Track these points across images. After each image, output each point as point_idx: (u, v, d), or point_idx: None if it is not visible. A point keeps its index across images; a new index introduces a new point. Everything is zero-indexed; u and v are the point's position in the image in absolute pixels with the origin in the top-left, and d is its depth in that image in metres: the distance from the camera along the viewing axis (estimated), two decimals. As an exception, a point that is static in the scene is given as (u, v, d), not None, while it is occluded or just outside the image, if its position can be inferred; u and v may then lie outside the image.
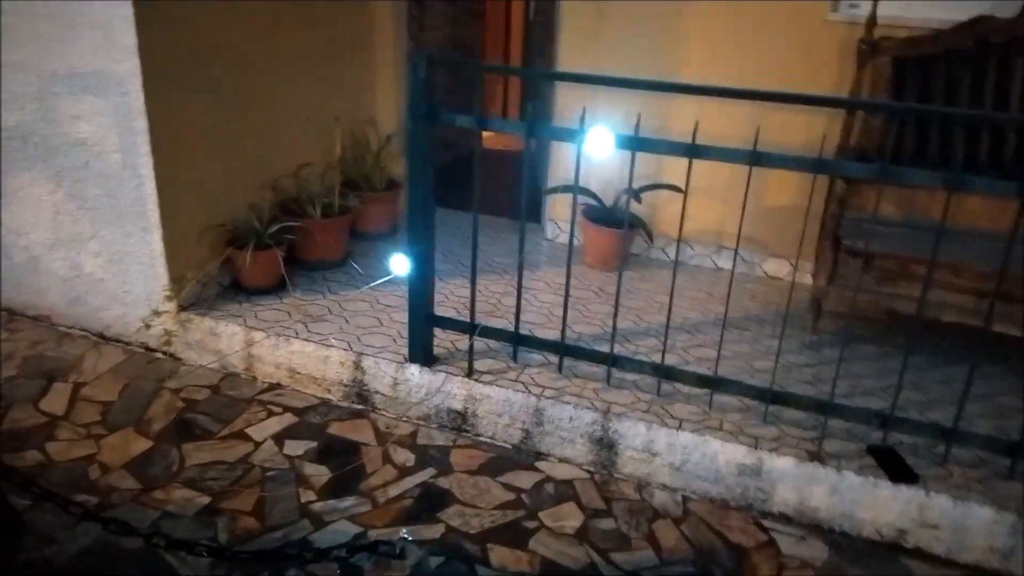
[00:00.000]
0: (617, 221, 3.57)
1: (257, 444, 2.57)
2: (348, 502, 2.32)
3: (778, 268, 3.72)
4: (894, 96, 3.12)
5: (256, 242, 3.07)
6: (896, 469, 2.23)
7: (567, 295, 2.53)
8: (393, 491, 2.38)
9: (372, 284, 3.20)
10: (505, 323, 2.98)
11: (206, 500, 2.30)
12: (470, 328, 2.59)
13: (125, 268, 2.99)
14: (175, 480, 2.37)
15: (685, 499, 2.43)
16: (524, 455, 2.58)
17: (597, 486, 2.47)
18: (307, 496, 2.34)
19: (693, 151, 2.14)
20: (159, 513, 2.23)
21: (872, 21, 3.07)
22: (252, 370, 2.94)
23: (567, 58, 3.72)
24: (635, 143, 2.19)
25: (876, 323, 3.16)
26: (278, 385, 2.91)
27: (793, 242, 3.51)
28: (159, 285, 2.94)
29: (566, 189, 3.65)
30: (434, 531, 2.22)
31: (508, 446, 2.62)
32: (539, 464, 2.55)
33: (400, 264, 2.46)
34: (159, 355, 3.06)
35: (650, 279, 3.59)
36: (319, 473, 2.44)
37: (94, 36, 2.67)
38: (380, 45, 3.99)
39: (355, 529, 2.21)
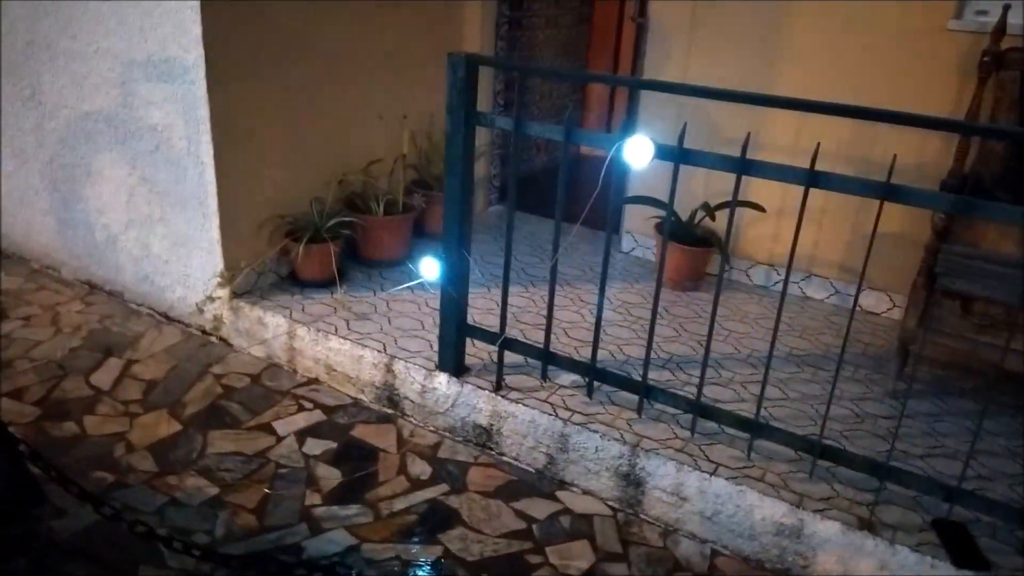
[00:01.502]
0: (691, 238, 3.32)
1: (279, 439, 2.54)
2: (351, 510, 2.24)
3: (877, 302, 3.34)
4: (1021, 117, 2.71)
5: (311, 235, 3.06)
6: (963, 551, 1.89)
7: (599, 314, 2.33)
8: (399, 504, 2.27)
9: (399, 287, 3.12)
10: (552, 339, 2.83)
11: (215, 491, 2.28)
12: (496, 340, 2.44)
13: (188, 252, 3.06)
14: (191, 467, 2.38)
15: (714, 553, 2.18)
16: (546, 482, 2.41)
17: (618, 526, 2.26)
18: (312, 499, 2.27)
19: (743, 167, 1.90)
20: (167, 499, 2.24)
21: (1000, 30, 2.68)
22: (293, 363, 2.93)
23: (655, 61, 3.51)
24: (677, 155, 1.98)
25: (978, 375, 2.76)
26: (316, 380, 2.88)
27: (893, 274, 3.16)
28: (215, 271, 2.99)
29: (637, 200, 3.44)
30: (429, 553, 2.10)
31: (531, 470, 2.46)
32: (560, 493, 2.37)
33: (429, 268, 2.36)
34: (213, 339, 3.12)
35: (725, 303, 3.30)
36: (331, 476, 2.37)
37: (168, 24, 2.73)
38: (468, 47, 3.91)
39: (349, 540, 2.12)
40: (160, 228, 3.12)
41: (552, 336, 2.85)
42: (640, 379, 2.31)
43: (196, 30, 2.66)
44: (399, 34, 3.47)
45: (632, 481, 2.27)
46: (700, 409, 2.20)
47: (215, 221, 2.91)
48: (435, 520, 2.22)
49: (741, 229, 3.48)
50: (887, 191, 1.77)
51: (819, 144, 1.85)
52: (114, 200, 3.23)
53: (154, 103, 2.90)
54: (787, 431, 2.13)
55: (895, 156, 1.78)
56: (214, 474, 2.35)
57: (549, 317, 2.37)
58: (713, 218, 3.25)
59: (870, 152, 3.07)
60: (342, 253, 3.26)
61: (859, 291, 2.01)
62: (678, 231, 3.35)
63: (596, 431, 2.30)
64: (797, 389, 2.65)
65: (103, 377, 2.81)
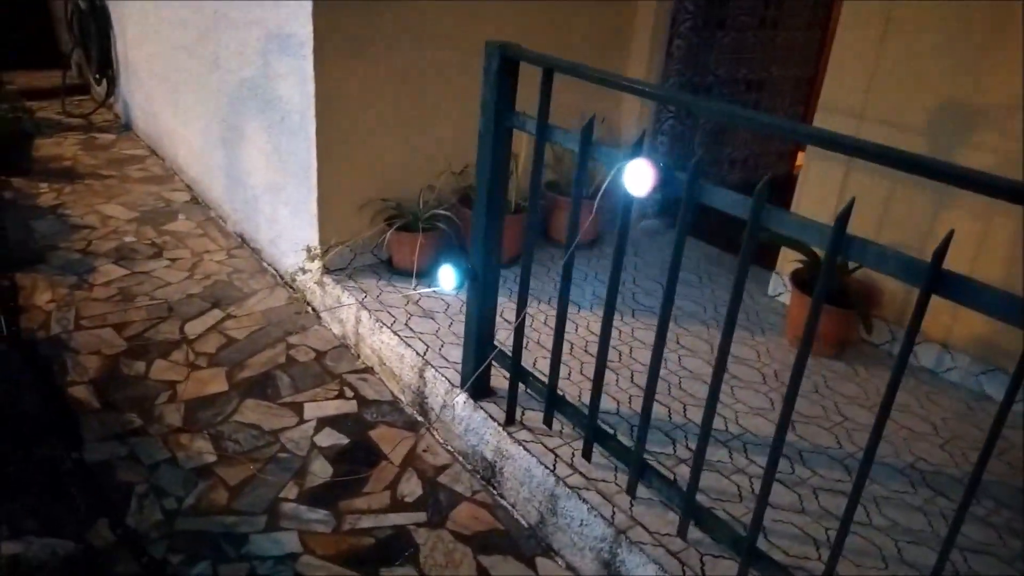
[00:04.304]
0: (836, 294, 2.70)
1: (301, 421, 2.50)
2: (316, 515, 2.13)
3: (1085, 422, 2.46)
4: None
5: (405, 223, 2.99)
6: None
7: (602, 363, 1.93)
8: (366, 522, 2.11)
9: (412, 291, 2.90)
10: (618, 387, 2.47)
11: (212, 459, 2.31)
12: (511, 368, 2.16)
13: (299, 222, 3.15)
14: (208, 429, 2.43)
15: None
16: (533, 542, 2.10)
17: (584, 619, 1.89)
18: (290, 492, 2.20)
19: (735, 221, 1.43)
20: (167, 456, 2.30)
21: None
22: (358, 347, 2.89)
23: (835, 80, 2.89)
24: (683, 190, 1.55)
25: None
26: (370, 370, 2.81)
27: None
28: (313, 244, 3.04)
29: (785, 240, 2.87)
30: (359, 586, 1.92)
31: (524, 524, 2.15)
32: (541, 560, 2.04)
33: (448, 277, 2.14)
34: (309, 310, 3.19)
35: (862, 382, 2.64)
36: (321, 473, 2.28)
37: (292, -1, 2.80)
38: (636, 46, 3.57)
39: (295, 547, 2.01)
40: (283, 195, 3.24)
41: (616, 378, 2.48)
42: (645, 450, 1.89)
43: (308, 5, 2.68)
44: (551, 25, 3.24)
45: (613, 572, 1.88)
46: (691, 509, 1.74)
47: (314, 195, 2.95)
48: (390, 551, 2.03)
49: (912, 294, 2.76)
50: (933, 280, 1.21)
51: (853, 199, 1.33)
52: (257, 163, 3.43)
53: (281, 75, 3.00)
54: (783, 567, 1.60)
55: (951, 232, 1.21)
56: (222, 441, 2.38)
57: (556, 352, 2.03)
58: (845, 281, 2.61)
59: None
60: (443, 246, 3.14)
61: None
62: (817, 282, 2.73)
63: (586, 501, 1.94)
64: (891, 515, 2.02)
65: (196, 326, 3.00)
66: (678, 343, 2.78)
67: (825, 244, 1.35)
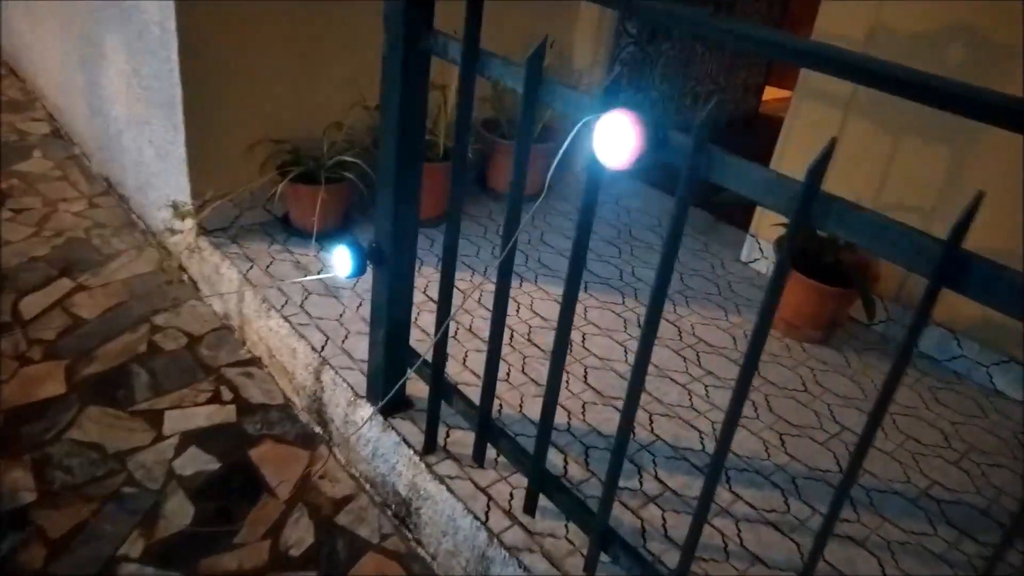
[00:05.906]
0: (824, 268, 2.23)
1: (159, 438, 1.93)
2: (167, 581, 1.59)
3: (1116, 427, 2.08)
4: None
5: (303, 172, 2.38)
6: None
7: (554, 392, 1.42)
8: (235, 590, 1.59)
9: (302, 279, 2.27)
10: (568, 392, 1.95)
11: (31, 498, 1.72)
12: (431, 384, 1.62)
13: (169, 167, 2.50)
14: (33, 452, 1.84)
15: None
16: (459, 609, 1.61)
17: None
18: (133, 547, 1.64)
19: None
20: (-30, 494, 1.72)
21: None
22: (243, 331, 2.30)
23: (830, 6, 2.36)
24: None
25: None
26: (257, 361, 2.24)
27: None
28: (182, 198, 2.41)
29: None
30: None
31: (446, 582, 1.66)
32: (467, 637, 1.56)
33: (343, 260, 1.56)
34: (185, 278, 2.57)
35: (856, 375, 2.21)
36: (179, 516, 1.73)
37: None
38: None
39: (130, 634, 1.48)
40: (147, 132, 2.57)
41: (566, 379, 1.96)
42: (604, 511, 1.39)
43: None
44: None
45: (562, 667, 1.41)
46: (675, 607, 1.26)
47: (182, 134, 2.30)
48: (264, 632, 1.51)
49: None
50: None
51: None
52: (119, 90, 2.73)
53: (135, -25, 2.30)
54: None
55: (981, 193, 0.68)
56: (49, 471, 1.79)
57: (490, 375, 1.50)
58: (839, 255, 2.14)
59: None
60: (354, 200, 2.55)
61: None
62: (808, 255, 2.26)
63: (528, 570, 1.45)
64: (907, 566, 1.59)
65: (36, 303, 2.36)
66: (637, 325, 2.28)
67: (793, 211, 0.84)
